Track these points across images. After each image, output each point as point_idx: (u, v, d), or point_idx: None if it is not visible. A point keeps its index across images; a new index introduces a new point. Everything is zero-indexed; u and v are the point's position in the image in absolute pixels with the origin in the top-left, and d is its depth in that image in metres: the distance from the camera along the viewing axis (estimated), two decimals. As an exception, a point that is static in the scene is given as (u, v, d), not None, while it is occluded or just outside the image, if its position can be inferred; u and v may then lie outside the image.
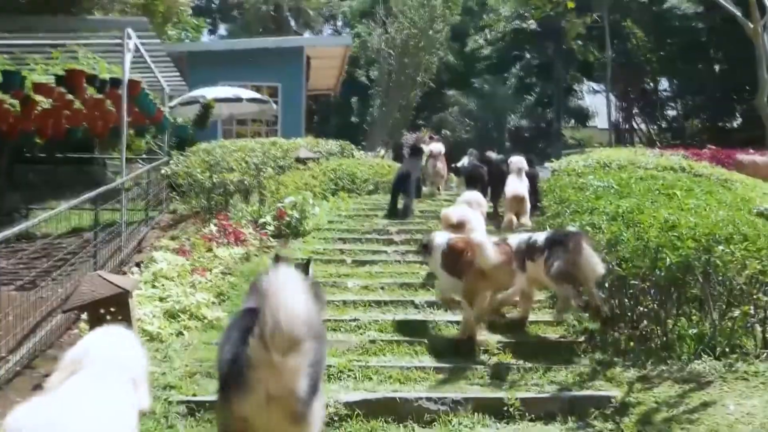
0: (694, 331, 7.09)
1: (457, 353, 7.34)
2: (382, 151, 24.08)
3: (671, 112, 49.65)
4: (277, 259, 5.78)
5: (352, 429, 5.90)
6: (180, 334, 7.62)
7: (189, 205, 14.67)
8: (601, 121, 50.78)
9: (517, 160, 12.78)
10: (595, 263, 7.32)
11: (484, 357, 7.34)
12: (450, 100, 42.41)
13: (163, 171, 14.03)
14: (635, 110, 46.03)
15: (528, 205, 12.19)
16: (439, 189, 16.15)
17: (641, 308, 7.66)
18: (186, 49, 24.62)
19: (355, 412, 6.00)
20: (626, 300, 7.87)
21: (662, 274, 7.12)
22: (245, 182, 13.27)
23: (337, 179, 15.45)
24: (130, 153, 19.37)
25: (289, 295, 3.62)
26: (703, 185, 12.37)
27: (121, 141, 12.37)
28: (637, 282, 7.54)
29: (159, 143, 18.32)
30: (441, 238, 8.29)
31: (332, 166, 15.92)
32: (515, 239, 8.18)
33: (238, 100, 19.78)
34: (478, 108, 41.55)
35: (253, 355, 3.66)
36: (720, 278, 7.12)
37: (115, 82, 12.35)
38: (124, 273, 10.70)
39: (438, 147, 16.28)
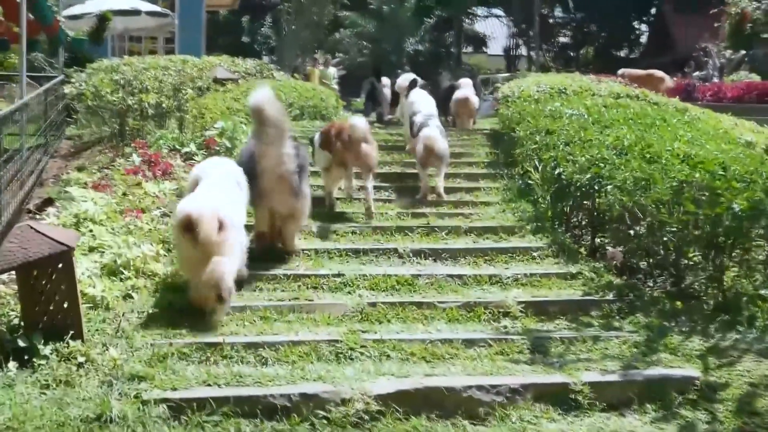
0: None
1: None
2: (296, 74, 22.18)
3: (564, 39, 49.45)
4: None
5: (387, 430, 4.52)
6: (128, 297, 5.98)
7: (90, 129, 12.71)
8: (492, 48, 50.03)
9: (467, 81, 15.21)
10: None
11: (507, 322, 6.09)
12: (345, 22, 40.25)
13: (66, 91, 11.94)
14: (531, 36, 45.25)
15: (475, 109, 14.50)
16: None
17: (685, 261, 6.53)
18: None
19: (390, 408, 4.62)
20: (661, 250, 6.73)
21: (726, 222, 5.95)
22: (163, 105, 11.41)
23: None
24: (3, 70, 17.02)
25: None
26: (674, 115, 11.45)
27: (20, 54, 10.27)
28: (675, 229, 6.40)
29: (49, 59, 15.99)
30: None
31: (254, 89, 14.07)
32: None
33: (136, 12, 17.63)
34: (375, 30, 39.55)
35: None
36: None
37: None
38: (31, 212, 8.91)
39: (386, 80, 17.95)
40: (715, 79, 24.31)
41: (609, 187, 7.06)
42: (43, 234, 4.95)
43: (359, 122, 8.79)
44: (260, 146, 6.87)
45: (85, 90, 11.59)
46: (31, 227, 5.00)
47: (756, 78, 24.20)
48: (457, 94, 14.57)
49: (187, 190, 6.48)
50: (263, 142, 6.81)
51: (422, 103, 10.63)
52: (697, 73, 26.29)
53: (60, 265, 4.97)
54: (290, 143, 7.00)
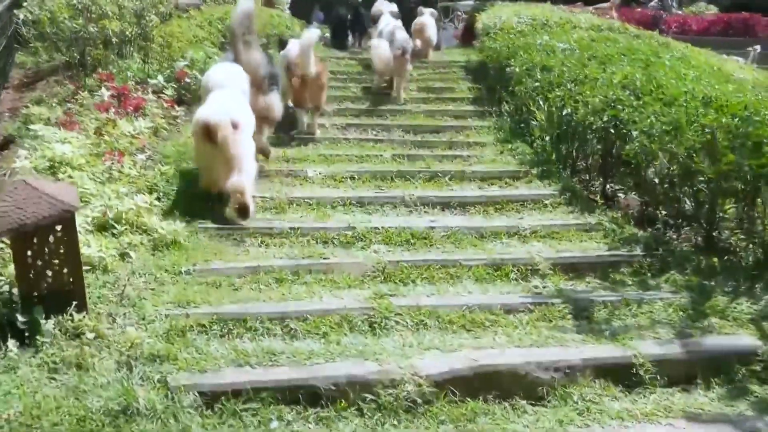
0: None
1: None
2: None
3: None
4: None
5: (444, 416, 4.06)
6: (125, 255, 5.37)
7: (41, 58, 11.71)
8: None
9: (431, 11, 14.02)
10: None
11: (537, 281, 5.65)
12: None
13: (22, 16, 10.89)
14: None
15: (432, 38, 13.45)
16: None
17: (720, 214, 6.15)
18: None
19: (444, 390, 4.16)
20: (690, 202, 6.35)
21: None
22: (126, 33, 10.52)
23: (226, 31, 12.81)
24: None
25: None
26: (663, 50, 11.01)
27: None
28: (708, 179, 6.00)
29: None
30: (293, 44, 9.11)
31: (218, 15, 13.18)
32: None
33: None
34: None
35: None
36: None
37: None
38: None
39: None
40: (675, 11, 23.98)
41: (634, 132, 6.59)
42: (40, 191, 4.29)
43: (314, 35, 8.87)
44: (242, 53, 7.60)
45: (41, 16, 10.59)
46: (27, 183, 4.34)
47: (714, 10, 23.97)
48: (416, 21, 13.58)
49: (201, 96, 7.27)
50: (245, 49, 7.63)
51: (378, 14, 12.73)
52: (653, 3, 25.90)
53: (59, 228, 4.34)
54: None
